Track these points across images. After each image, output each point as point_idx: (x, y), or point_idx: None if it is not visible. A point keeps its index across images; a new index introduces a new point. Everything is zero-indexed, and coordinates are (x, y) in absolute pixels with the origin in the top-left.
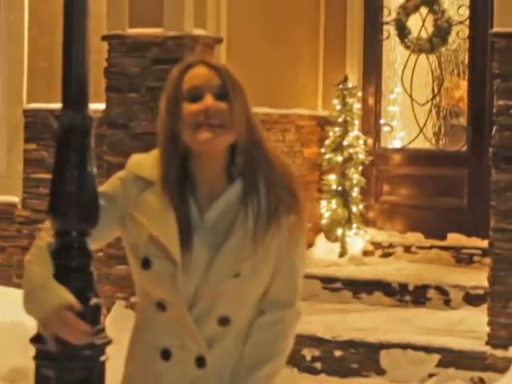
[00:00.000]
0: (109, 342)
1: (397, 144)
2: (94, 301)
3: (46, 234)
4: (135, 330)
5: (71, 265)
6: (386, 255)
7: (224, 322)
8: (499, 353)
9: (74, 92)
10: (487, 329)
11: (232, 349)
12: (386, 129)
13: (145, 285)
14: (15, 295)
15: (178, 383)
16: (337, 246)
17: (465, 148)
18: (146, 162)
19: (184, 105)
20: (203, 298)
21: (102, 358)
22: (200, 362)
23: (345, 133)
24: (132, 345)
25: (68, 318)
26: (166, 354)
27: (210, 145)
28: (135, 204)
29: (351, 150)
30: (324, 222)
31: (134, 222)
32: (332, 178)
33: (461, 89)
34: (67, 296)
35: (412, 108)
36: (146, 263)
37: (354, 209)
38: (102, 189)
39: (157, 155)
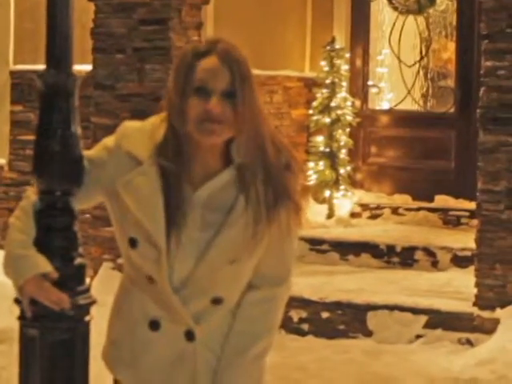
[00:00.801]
0: (93, 303)
1: (384, 105)
2: (77, 260)
3: (31, 193)
4: (121, 295)
5: (55, 224)
6: (373, 217)
7: (217, 301)
8: (486, 314)
9: (58, 51)
10: (474, 290)
11: (223, 324)
12: (373, 90)
13: (133, 260)
14: (1, 256)
15: (166, 353)
16: (324, 208)
17: (452, 110)
18: (138, 138)
19: (191, 97)
20: (197, 280)
21: (86, 319)
22: (189, 335)
23: (332, 94)
24: (118, 310)
25: (43, 285)
26: (154, 325)
27: (209, 140)
28: (123, 183)
29: (339, 112)
30: (311, 183)
31: (122, 202)
32: (319, 139)
33: (448, 50)
34: (44, 264)
35: (400, 70)
36: (132, 243)
37: (342, 170)
38: (89, 153)
39: (150, 129)
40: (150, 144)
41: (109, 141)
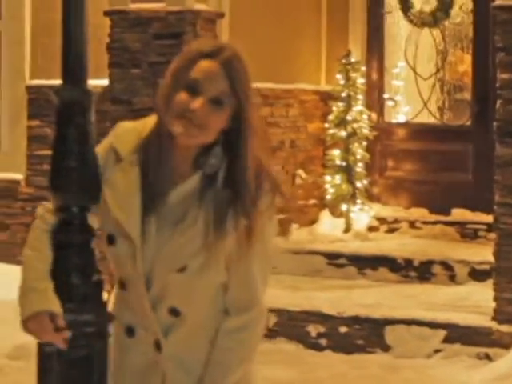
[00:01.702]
0: (111, 319)
1: (401, 119)
2: (95, 277)
3: (43, 212)
4: (113, 306)
5: (72, 241)
6: (390, 231)
7: (174, 313)
8: (505, 328)
9: (73, 67)
10: (493, 304)
11: (190, 337)
12: (389, 103)
13: (111, 260)
14: (19, 273)
15: (140, 361)
16: (341, 222)
17: (469, 122)
18: (125, 135)
19: (180, 91)
20: (154, 285)
21: (104, 335)
22: (157, 345)
23: (348, 108)
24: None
25: (44, 325)
26: (130, 331)
27: (182, 139)
28: (104, 179)
29: (355, 125)
30: (328, 197)
31: (103, 199)
32: (336, 153)
33: (465, 63)
34: (52, 303)
35: (416, 82)
36: (110, 239)
37: (359, 184)
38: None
39: (140, 127)
40: (135, 141)
41: (104, 142)
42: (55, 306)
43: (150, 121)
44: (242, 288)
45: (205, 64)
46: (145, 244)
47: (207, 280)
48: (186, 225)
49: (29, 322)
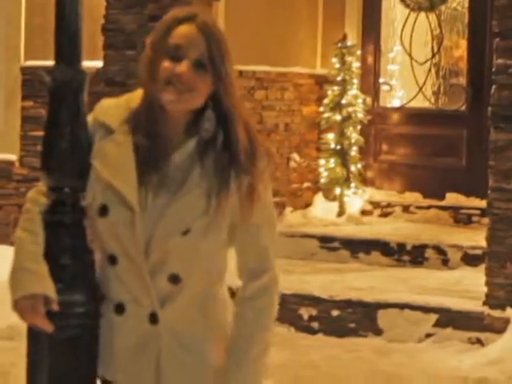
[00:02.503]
0: (102, 298)
1: (396, 103)
2: (87, 256)
3: (36, 195)
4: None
5: (64, 221)
6: (384, 215)
7: (175, 279)
8: (497, 313)
9: (67, 47)
10: (485, 289)
11: (188, 311)
12: (384, 88)
13: (101, 235)
14: (12, 254)
15: (131, 337)
16: (335, 206)
17: (464, 107)
18: (111, 109)
19: (163, 59)
20: (154, 251)
21: (95, 315)
22: (153, 318)
23: (343, 91)
24: None
25: (36, 308)
26: (119, 309)
27: (172, 106)
28: (95, 150)
29: (350, 109)
30: (322, 181)
31: (92, 170)
32: (330, 136)
33: (460, 48)
34: (48, 286)
35: (411, 67)
36: (102, 210)
37: (353, 168)
38: None
39: (124, 101)
40: (124, 114)
41: (88, 119)
42: (51, 289)
43: (135, 95)
44: (254, 253)
45: (183, 29)
46: (143, 211)
47: (210, 243)
48: (187, 188)
49: (21, 303)
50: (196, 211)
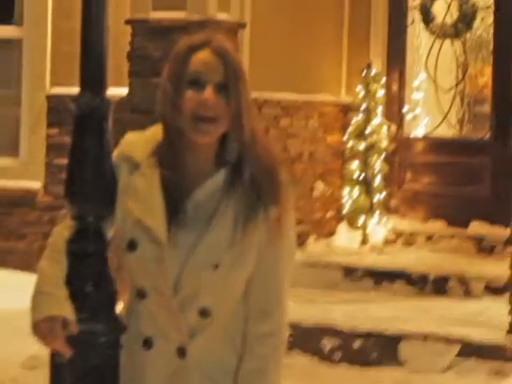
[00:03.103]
0: (124, 329)
1: (420, 131)
2: (109, 286)
3: (61, 229)
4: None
5: (87, 250)
6: (407, 243)
7: (205, 313)
8: None
9: (92, 75)
10: (508, 319)
11: (215, 341)
12: (409, 116)
13: (130, 270)
14: (35, 283)
15: (160, 373)
16: (358, 235)
17: (488, 135)
18: (137, 142)
19: (185, 89)
20: (184, 287)
21: (117, 345)
22: (181, 352)
23: (368, 120)
24: None
25: (55, 330)
26: (147, 344)
27: (203, 140)
28: (123, 185)
29: (374, 137)
30: (346, 210)
31: (122, 205)
32: (354, 165)
33: (485, 75)
34: (66, 309)
35: (436, 94)
36: (131, 245)
37: (376, 197)
38: None
39: (150, 135)
40: (149, 147)
41: (114, 154)
42: (69, 312)
43: (158, 129)
44: (267, 288)
45: (199, 56)
46: (172, 246)
47: (238, 276)
48: (216, 221)
49: (40, 326)
50: (224, 244)
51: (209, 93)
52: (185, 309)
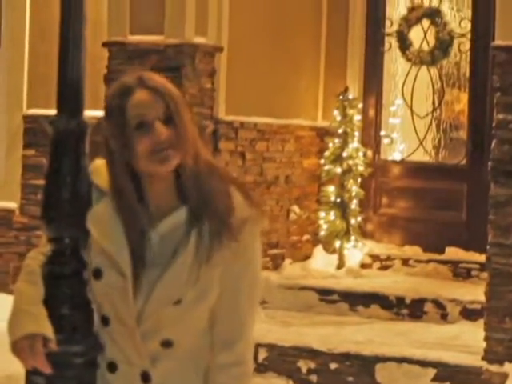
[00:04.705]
0: (101, 350)
1: (396, 156)
2: (85, 307)
3: (36, 254)
4: None
5: (64, 271)
6: (383, 268)
7: (167, 344)
8: (495, 368)
9: (69, 97)
10: (484, 344)
11: (180, 368)
12: (385, 141)
13: (95, 296)
14: (11, 302)
15: None
16: (334, 258)
17: (464, 161)
18: (104, 170)
19: (134, 134)
20: (147, 319)
21: (93, 366)
22: (145, 377)
23: (344, 144)
24: None
25: (35, 348)
26: (111, 367)
27: (164, 168)
28: (90, 214)
29: (350, 162)
30: (322, 233)
31: (89, 233)
32: (331, 189)
33: (461, 102)
34: (46, 327)
35: (412, 120)
36: (96, 273)
37: (353, 221)
38: None
39: None
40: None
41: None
42: (49, 330)
43: None
44: (228, 321)
45: (135, 98)
46: (137, 280)
47: (202, 310)
48: (179, 257)
49: (20, 343)
50: (187, 281)
51: (159, 130)
52: (147, 339)
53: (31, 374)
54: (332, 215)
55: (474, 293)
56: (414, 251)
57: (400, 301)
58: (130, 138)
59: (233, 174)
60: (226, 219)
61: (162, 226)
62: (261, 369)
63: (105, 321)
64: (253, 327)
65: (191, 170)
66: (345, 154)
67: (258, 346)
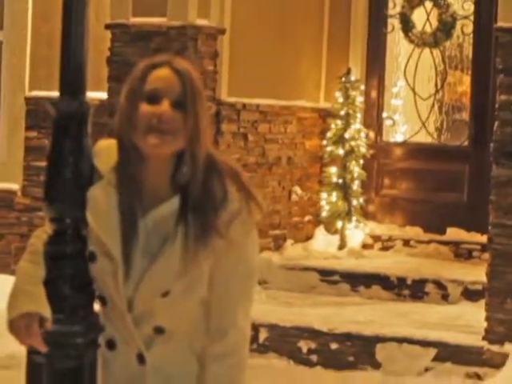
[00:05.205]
0: (101, 330)
1: (398, 138)
2: (87, 287)
3: (41, 233)
4: None
5: (65, 251)
6: (385, 249)
7: (159, 331)
8: (496, 348)
9: (72, 79)
10: (484, 324)
11: (175, 352)
12: (388, 122)
13: (92, 277)
14: (13, 282)
15: (122, 373)
16: (336, 239)
17: (466, 143)
18: (104, 153)
19: (141, 105)
20: (137, 307)
21: (94, 346)
22: (141, 358)
23: (347, 126)
24: None
25: (32, 327)
26: (110, 344)
27: (157, 150)
28: (87, 197)
29: (353, 143)
30: (324, 214)
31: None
32: (333, 170)
33: (464, 84)
34: (43, 307)
35: (415, 102)
36: (91, 256)
37: (354, 202)
38: None
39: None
40: (113, 159)
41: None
42: (45, 309)
43: None
44: (222, 309)
45: (158, 72)
46: (129, 267)
47: (191, 302)
48: (167, 249)
49: (16, 322)
50: (175, 272)
51: (165, 107)
52: (139, 324)
53: (32, 354)
54: (334, 196)
55: (475, 273)
56: (415, 232)
57: (401, 281)
58: (138, 108)
59: (231, 163)
60: (217, 215)
61: (155, 214)
62: (261, 349)
63: (102, 301)
64: (247, 318)
65: (192, 161)
66: (347, 136)
67: (259, 326)
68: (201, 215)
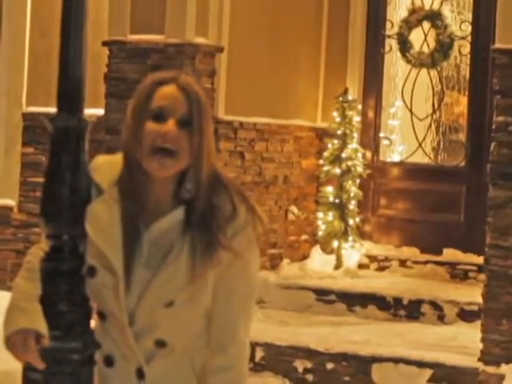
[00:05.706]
0: (97, 347)
1: (395, 158)
2: (83, 304)
3: (36, 250)
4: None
5: (62, 268)
6: (381, 269)
7: (161, 344)
8: (491, 369)
9: (70, 95)
10: (480, 345)
11: (174, 367)
12: (384, 142)
13: (90, 292)
14: (8, 299)
15: None
16: (332, 259)
17: (463, 164)
18: (104, 168)
19: (147, 122)
20: (139, 320)
21: (91, 363)
22: (140, 373)
23: (343, 145)
24: None
25: (28, 344)
26: (108, 361)
27: (159, 174)
28: (88, 211)
29: (349, 163)
30: (320, 233)
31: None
32: (329, 190)
33: (461, 104)
34: (39, 323)
35: (411, 122)
36: (90, 271)
37: (351, 221)
38: None
39: (119, 160)
40: (114, 174)
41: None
42: (42, 326)
43: None
44: (221, 324)
45: (165, 90)
46: (130, 279)
47: (195, 312)
48: (171, 259)
49: (13, 338)
50: (180, 282)
51: (170, 125)
52: (141, 338)
53: (28, 371)
54: (330, 216)
55: (471, 294)
56: (411, 252)
57: (397, 301)
58: (144, 125)
59: (230, 177)
60: (223, 228)
61: (158, 226)
62: (257, 368)
63: (101, 316)
64: (247, 332)
65: (196, 178)
66: (344, 155)
67: (254, 345)
68: (207, 229)
